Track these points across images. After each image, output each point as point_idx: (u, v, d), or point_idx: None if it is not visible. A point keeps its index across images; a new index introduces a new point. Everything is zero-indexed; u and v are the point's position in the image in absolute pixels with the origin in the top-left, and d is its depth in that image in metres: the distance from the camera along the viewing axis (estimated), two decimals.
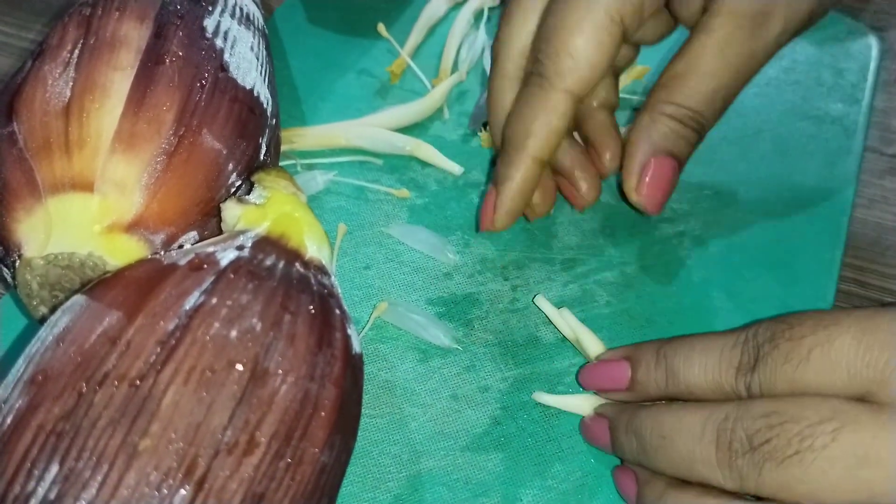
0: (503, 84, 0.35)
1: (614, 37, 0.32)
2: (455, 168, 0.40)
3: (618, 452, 0.29)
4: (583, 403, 0.31)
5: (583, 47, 0.32)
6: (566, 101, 0.33)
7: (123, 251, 0.28)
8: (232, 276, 0.25)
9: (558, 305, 0.35)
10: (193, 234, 0.30)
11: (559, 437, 0.31)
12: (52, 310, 0.29)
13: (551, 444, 0.31)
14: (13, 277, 0.29)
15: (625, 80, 0.43)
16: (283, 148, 0.40)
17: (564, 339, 0.34)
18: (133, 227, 0.29)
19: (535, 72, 0.33)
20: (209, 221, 0.30)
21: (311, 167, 0.40)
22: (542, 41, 0.33)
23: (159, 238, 0.29)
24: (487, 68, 0.45)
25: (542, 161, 0.34)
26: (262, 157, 0.33)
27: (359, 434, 0.27)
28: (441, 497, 0.29)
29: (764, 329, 0.25)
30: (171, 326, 0.23)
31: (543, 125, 0.33)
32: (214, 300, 0.24)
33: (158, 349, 0.22)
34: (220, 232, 0.29)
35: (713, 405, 0.25)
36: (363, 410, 0.28)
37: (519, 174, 0.33)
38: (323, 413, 0.23)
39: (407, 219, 0.38)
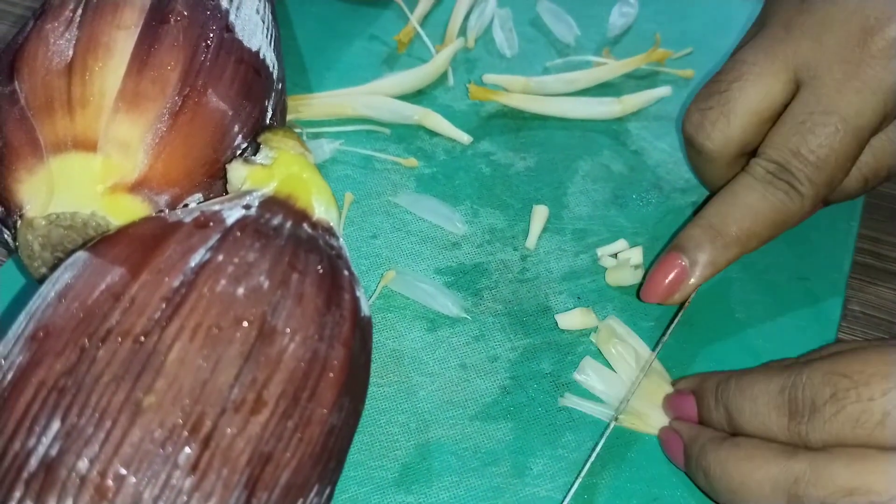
0: (722, 172, 0.34)
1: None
2: (463, 137, 0.39)
3: (692, 480, 0.28)
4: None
5: (843, 179, 0.32)
6: (808, 210, 0.32)
7: (127, 212, 0.28)
8: (238, 233, 0.24)
9: (569, 275, 0.34)
10: (198, 196, 0.29)
11: (569, 406, 0.30)
12: (54, 271, 0.28)
13: (562, 413, 0.30)
14: (14, 238, 0.28)
15: (642, 61, 0.42)
16: (289, 117, 0.39)
17: (574, 308, 0.33)
18: (137, 187, 0.28)
19: (781, 178, 0.31)
20: (214, 183, 0.29)
21: (317, 136, 0.39)
22: (799, 160, 0.31)
23: (163, 199, 0.28)
24: (497, 37, 0.44)
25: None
26: (267, 121, 0.32)
27: (367, 403, 0.26)
28: (450, 466, 0.29)
29: (820, 380, 0.24)
30: (176, 283, 0.22)
31: (774, 229, 0.31)
32: (221, 257, 0.23)
33: (163, 305, 0.22)
34: (226, 194, 0.28)
35: (781, 462, 0.24)
36: (371, 379, 0.28)
37: (725, 263, 0.32)
38: (331, 374, 0.23)
39: (415, 188, 0.38)
